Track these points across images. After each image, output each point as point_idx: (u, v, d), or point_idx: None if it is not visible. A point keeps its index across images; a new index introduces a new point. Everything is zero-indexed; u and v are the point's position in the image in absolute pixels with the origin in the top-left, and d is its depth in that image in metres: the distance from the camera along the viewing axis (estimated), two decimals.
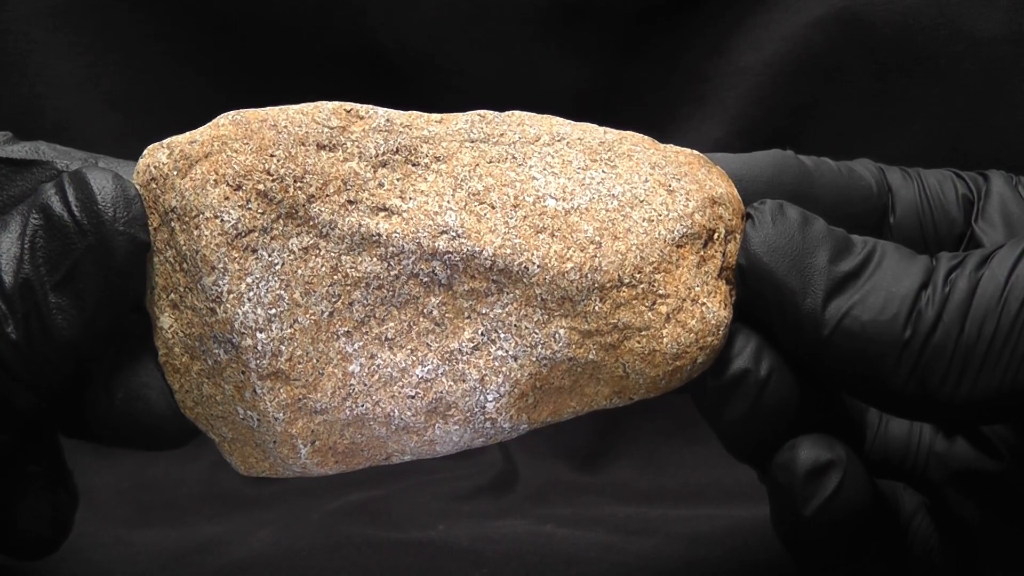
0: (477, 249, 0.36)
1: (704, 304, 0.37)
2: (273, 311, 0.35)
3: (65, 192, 0.35)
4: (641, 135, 0.39)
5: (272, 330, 0.35)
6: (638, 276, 0.37)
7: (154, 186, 0.36)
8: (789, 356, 0.37)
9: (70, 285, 0.35)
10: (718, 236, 0.38)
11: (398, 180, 0.36)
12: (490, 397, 0.37)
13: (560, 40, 0.62)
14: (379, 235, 0.36)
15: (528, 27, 0.62)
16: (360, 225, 0.36)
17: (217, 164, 0.35)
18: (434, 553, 0.51)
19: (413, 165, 0.37)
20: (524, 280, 0.36)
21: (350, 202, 0.36)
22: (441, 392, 0.36)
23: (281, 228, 0.35)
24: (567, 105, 0.63)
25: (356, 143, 0.36)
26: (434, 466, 0.61)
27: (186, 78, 0.62)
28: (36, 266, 0.35)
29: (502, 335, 0.36)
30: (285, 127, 0.36)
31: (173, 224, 0.35)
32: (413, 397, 0.36)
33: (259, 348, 0.35)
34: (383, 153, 0.36)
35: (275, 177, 0.35)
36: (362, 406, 0.36)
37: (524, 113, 0.39)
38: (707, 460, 0.62)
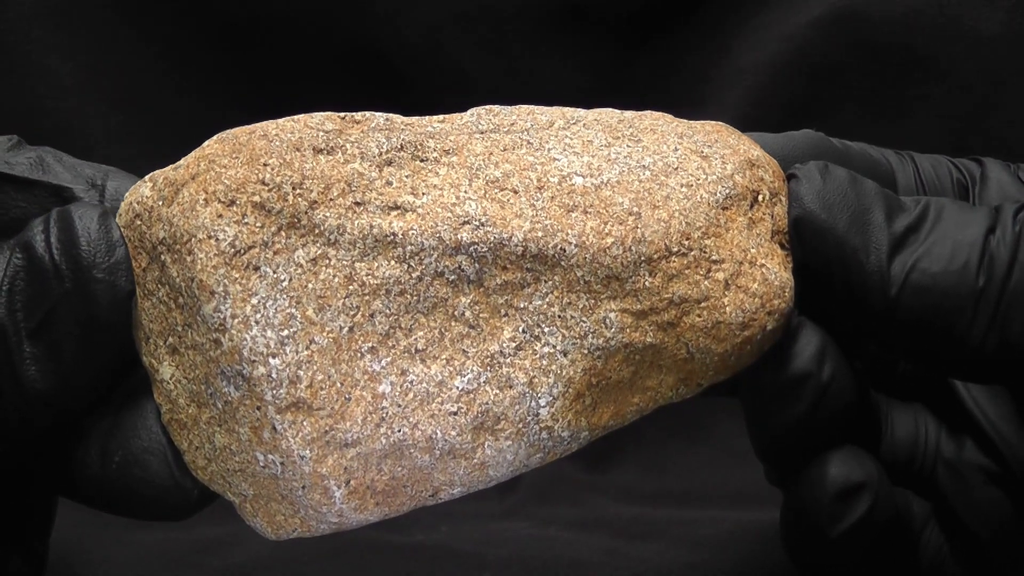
0: (505, 236, 0.32)
1: (763, 265, 0.35)
2: (285, 332, 0.31)
3: (49, 232, 0.33)
4: (660, 112, 0.37)
5: (286, 354, 0.31)
6: (687, 243, 0.34)
7: (139, 223, 0.33)
8: (846, 342, 0.36)
9: (46, 334, 0.32)
10: (763, 198, 0.35)
11: (407, 177, 0.33)
12: (543, 402, 0.33)
13: (561, 41, 0.62)
14: (394, 234, 0.32)
15: (529, 28, 0.62)
16: (372, 226, 0.32)
17: (206, 183, 0.32)
18: (436, 556, 0.51)
19: (421, 161, 0.33)
20: (562, 263, 0.33)
21: (357, 203, 0.32)
22: (487, 403, 0.33)
23: (284, 240, 0.31)
24: (567, 105, 0.63)
25: (356, 144, 0.33)
26: None
27: (186, 79, 0.62)
28: (13, 311, 0.32)
29: (546, 329, 0.33)
30: (276, 135, 0.32)
31: (163, 257, 0.32)
32: (456, 413, 0.32)
33: (274, 376, 0.31)
34: (387, 151, 0.33)
35: (271, 186, 0.31)
36: (399, 431, 0.32)
37: (532, 105, 0.36)
38: (712, 461, 0.62)
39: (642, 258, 0.33)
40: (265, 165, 0.32)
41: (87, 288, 0.32)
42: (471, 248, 0.32)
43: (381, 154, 0.33)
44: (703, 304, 0.34)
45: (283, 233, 0.31)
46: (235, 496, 0.33)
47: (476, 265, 0.33)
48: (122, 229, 0.33)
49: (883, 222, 0.35)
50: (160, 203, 0.32)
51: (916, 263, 0.34)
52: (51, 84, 0.60)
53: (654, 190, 0.34)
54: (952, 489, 0.39)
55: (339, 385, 0.32)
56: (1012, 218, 0.35)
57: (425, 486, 0.33)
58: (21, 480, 0.36)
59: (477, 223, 0.32)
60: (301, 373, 0.31)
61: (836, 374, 0.35)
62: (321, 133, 0.33)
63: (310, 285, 0.32)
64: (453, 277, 0.33)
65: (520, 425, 0.33)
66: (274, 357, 0.31)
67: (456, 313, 0.33)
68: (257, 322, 0.31)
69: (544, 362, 0.33)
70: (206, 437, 0.33)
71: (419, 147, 0.33)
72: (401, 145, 0.33)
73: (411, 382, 0.32)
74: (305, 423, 0.31)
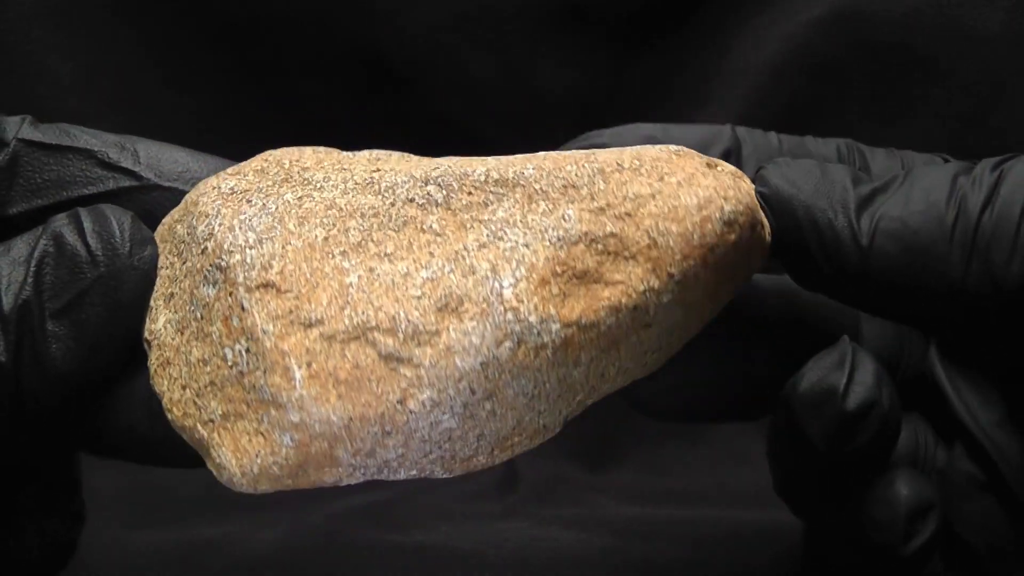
0: (470, 170, 0.35)
1: (717, 174, 0.35)
2: (265, 236, 0.34)
3: (81, 222, 0.34)
4: None
5: (263, 247, 0.34)
6: (637, 162, 0.35)
7: (164, 228, 0.36)
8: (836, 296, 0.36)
9: (71, 314, 0.34)
10: (722, 169, 0.36)
11: (391, 163, 0.37)
12: (506, 283, 0.33)
13: (561, 40, 0.62)
14: (372, 180, 0.35)
15: (529, 28, 0.62)
16: (353, 175, 0.36)
17: (220, 176, 0.36)
18: (436, 556, 0.51)
19: (407, 162, 0.37)
20: (522, 183, 0.35)
21: (344, 168, 0.36)
22: (450, 287, 0.33)
23: (276, 189, 0.35)
24: (567, 105, 0.63)
25: (348, 158, 0.37)
26: None
27: (187, 79, 0.62)
28: (38, 291, 0.34)
29: (509, 232, 0.34)
30: (282, 151, 0.37)
31: (177, 227, 0.35)
32: (420, 297, 0.33)
33: (248, 261, 0.33)
34: (376, 156, 0.37)
35: (271, 161, 0.36)
36: (363, 314, 0.33)
37: None
38: (712, 462, 0.62)
39: (596, 170, 0.35)
40: (267, 158, 0.37)
41: (122, 274, 0.34)
42: (439, 179, 0.35)
43: (370, 156, 0.37)
44: (658, 196, 0.35)
45: (276, 186, 0.36)
46: (204, 427, 0.34)
47: (444, 192, 0.35)
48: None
49: (848, 186, 0.35)
50: (186, 203, 0.36)
51: (885, 212, 0.34)
52: (51, 84, 0.60)
53: (608, 152, 0.36)
54: (946, 499, 0.38)
55: (308, 275, 0.33)
56: (991, 168, 0.35)
57: (391, 385, 0.33)
58: (47, 447, 0.37)
59: (446, 167, 0.35)
60: (274, 262, 0.33)
61: (892, 399, 0.35)
62: (322, 150, 0.37)
63: (293, 211, 0.35)
64: (423, 201, 0.35)
65: (484, 304, 0.33)
66: (251, 249, 0.34)
67: (424, 227, 0.35)
68: (240, 226, 0.34)
69: (507, 253, 0.34)
70: (184, 359, 0.34)
71: (406, 157, 0.37)
72: (390, 154, 0.37)
73: (378, 275, 0.34)
74: (271, 302, 0.33)
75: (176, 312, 0.35)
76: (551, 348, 0.34)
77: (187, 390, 0.34)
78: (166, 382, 0.35)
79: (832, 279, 0.36)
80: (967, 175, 0.35)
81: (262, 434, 0.33)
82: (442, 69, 0.62)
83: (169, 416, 0.35)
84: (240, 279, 0.33)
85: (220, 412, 0.34)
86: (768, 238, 0.36)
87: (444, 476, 0.34)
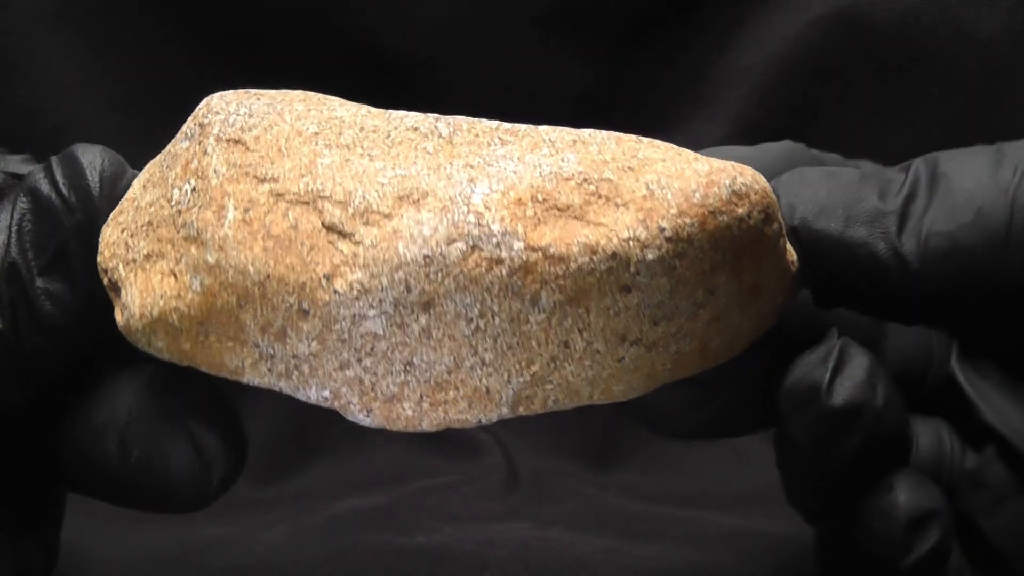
0: (484, 121, 0.33)
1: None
2: (258, 115, 0.32)
3: (53, 172, 0.33)
4: None
5: (250, 119, 0.32)
6: (658, 143, 0.33)
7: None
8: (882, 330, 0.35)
9: (58, 268, 0.33)
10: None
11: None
12: (478, 189, 0.30)
13: (561, 40, 0.62)
14: (386, 112, 0.33)
15: (529, 27, 0.62)
16: (370, 109, 0.34)
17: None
18: (437, 558, 0.50)
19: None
20: (532, 135, 0.32)
21: (363, 105, 0.34)
22: (419, 183, 0.31)
23: (289, 98, 0.34)
24: (567, 105, 0.63)
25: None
26: (439, 469, 0.62)
27: (186, 80, 0.62)
28: (23, 250, 0.33)
29: (502, 162, 0.31)
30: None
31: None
32: (384, 184, 0.30)
33: (229, 122, 0.32)
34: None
35: (293, 94, 0.35)
36: (320, 184, 0.30)
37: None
38: (715, 462, 0.62)
39: (611, 136, 0.32)
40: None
41: (98, 216, 0.33)
42: (450, 120, 0.33)
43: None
44: (667, 160, 0.32)
45: (291, 99, 0.34)
46: (125, 266, 0.33)
47: (450, 128, 0.32)
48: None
49: (877, 204, 0.33)
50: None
51: (931, 229, 0.32)
52: (51, 84, 0.60)
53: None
54: (976, 505, 0.37)
55: (283, 147, 0.31)
56: None
57: (324, 256, 0.30)
58: (30, 463, 0.36)
59: (462, 118, 0.33)
60: (255, 130, 0.32)
61: (889, 397, 0.33)
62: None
63: (296, 109, 0.33)
64: (426, 130, 0.32)
65: (447, 202, 0.30)
66: (237, 115, 0.32)
67: (418, 147, 0.32)
68: (238, 102, 0.33)
69: (492, 171, 0.31)
70: (135, 205, 0.33)
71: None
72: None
73: (352, 164, 0.31)
74: (235, 153, 0.32)
75: (148, 172, 0.34)
76: (507, 268, 0.30)
77: (124, 232, 0.33)
78: (110, 228, 0.33)
79: (874, 305, 0.34)
80: (1001, 166, 0.32)
81: (175, 274, 0.31)
82: (442, 68, 0.62)
83: (99, 259, 0.33)
84: (215, 131, 0.32)
85: (145, 252, 0.32)
86: (791, 259, 0.33)
87: (363, 419, 0.31)
